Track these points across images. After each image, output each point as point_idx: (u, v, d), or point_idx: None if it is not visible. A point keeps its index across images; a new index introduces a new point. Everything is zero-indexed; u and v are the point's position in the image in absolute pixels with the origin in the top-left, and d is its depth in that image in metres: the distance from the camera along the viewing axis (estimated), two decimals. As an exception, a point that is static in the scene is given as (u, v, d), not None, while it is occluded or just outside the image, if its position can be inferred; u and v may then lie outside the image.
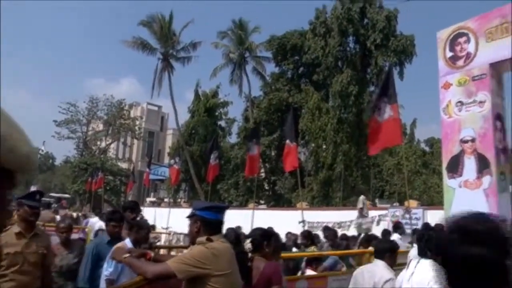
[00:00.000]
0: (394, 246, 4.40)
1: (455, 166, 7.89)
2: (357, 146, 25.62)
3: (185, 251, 4.90)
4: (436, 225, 9.87)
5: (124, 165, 47.78)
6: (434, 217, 10.51)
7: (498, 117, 7.85)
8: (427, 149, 38.61)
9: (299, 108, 28.32)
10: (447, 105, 8.17)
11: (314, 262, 6.20)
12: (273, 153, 31.45)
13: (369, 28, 26.60)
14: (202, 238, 2.75)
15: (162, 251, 7.71)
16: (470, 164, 7.73)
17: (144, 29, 34.28)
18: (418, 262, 3.86)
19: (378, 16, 26.32)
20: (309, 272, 5.99)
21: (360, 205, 14.85)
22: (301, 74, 32.33)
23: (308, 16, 43.76)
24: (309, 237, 7.55)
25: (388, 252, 4.24)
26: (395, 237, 8.72)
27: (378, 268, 4.16)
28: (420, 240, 3.93)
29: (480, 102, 7.73)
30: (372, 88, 26.91)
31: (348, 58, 27.40)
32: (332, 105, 26.63)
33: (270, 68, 35.04)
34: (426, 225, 9.94)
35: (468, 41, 8.09)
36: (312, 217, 15.40)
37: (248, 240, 3.73)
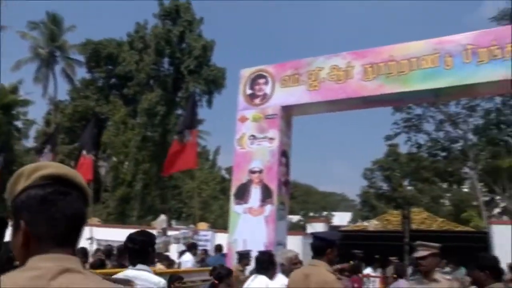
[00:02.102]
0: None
1: (243, 194, 8.59)
2: (159, 166, 25.69)
3: None
4: (216, 245, 10.81)
5: None
6: (222, 239, 11.15)
7: (284, 153, 8.86)
8: (227, 176, 40.62)
9: (105, 120, 27.33)
10: (241, 136, 8.89)
11: None
12: (72, 163, 29.41)
13: (186, 53, 27.42)
14: None
15: None
16: (255, 193, 8.50)
17: None
18: (255, 277, 4.69)
19: (196, 43, 27.35)
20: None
21: (164, 224, 14.86)
22: (112, 85, 31.36)
23: (128, 27, 42.96)
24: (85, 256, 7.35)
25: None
26: (188, 256, 9.35)
27: None
28: (257, 261, 4.87)
29: (270, 138, 8.63)
30: (179, 111, 27.55)
31: (160, 78, 27.69)
32: (139, 122, 26.42)
33: (81, 73, 33.16)
34: (218, 246, 10.72)
35: (266, 83, 9.01)
36: (103, 235, 14.81)
37: None
